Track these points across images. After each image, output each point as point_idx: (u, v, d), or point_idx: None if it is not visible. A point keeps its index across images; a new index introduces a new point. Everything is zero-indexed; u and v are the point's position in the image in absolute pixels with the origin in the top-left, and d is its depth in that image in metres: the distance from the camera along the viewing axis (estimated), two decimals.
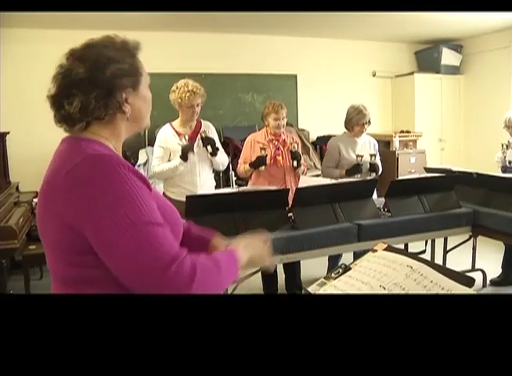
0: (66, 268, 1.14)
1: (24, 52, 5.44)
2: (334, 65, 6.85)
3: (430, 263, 1.40)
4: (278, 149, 3.65)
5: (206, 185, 3.45)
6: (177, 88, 3.34)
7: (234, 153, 5.41)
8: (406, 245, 3.73)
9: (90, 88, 1.14)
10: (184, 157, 3.27)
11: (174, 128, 3.43)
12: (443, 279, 1.31)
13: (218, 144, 3.48)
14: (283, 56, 6.53)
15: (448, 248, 4.17)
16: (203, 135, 3.36)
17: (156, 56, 5.77)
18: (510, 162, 3.92)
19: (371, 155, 3.84)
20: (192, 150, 3.31)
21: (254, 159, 3.59)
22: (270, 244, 1.42)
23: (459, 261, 4.15)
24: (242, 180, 4.66)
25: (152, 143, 4.10)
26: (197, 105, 3.36)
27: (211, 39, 6.17)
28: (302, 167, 3.71)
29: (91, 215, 1.05)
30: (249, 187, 3.55)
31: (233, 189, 3.39)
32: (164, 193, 3.53)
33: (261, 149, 3.57)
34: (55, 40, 5.30)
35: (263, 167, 3.56)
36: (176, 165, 3.30)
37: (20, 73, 5.46)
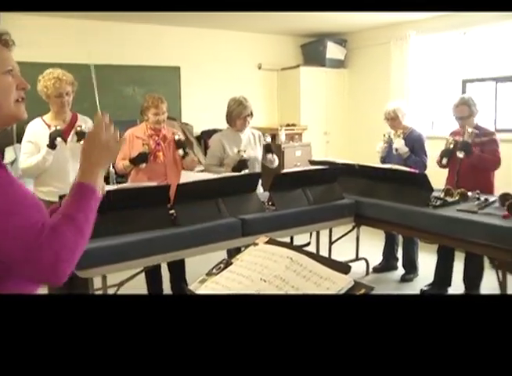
0: None
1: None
2: (219, 57, 6.78)
3: (310, 253, 1.42)
4: (158, 144, 3.53)
5: None
6: (42, 77, 3.14)
7: None
8: (292, 238, 3.77)
9: None
10: (51, 144, 3.05)
11: (45, 122, 3.20)
12: (321, 268, 1.33)
13: None
14: (166, 47, 6.33)
15: (333, 239, 4.30)
16: (78, 129, 3.16)
17: (29, 44, 5.37)
18: (396, 150, 4.03)
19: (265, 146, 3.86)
20: (60, 136, 3.08)
21: (133, 155, 3.43)
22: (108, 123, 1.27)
23: (344, 251, 4.28)
24: (122, 177, 4.45)
25: (21, 140, 3.77)
26: (66, 93, 3.16)
27: (87, 27, 5.76)
28: (191, 156, 3.63)
29: None
30: (128, 184, 3.39)
31: (113, 186, 3.20)
32: None
33: (143, 144, 3.43)
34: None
35: (144, 164, 3.42)
36: (43, 155, 3.06)
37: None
